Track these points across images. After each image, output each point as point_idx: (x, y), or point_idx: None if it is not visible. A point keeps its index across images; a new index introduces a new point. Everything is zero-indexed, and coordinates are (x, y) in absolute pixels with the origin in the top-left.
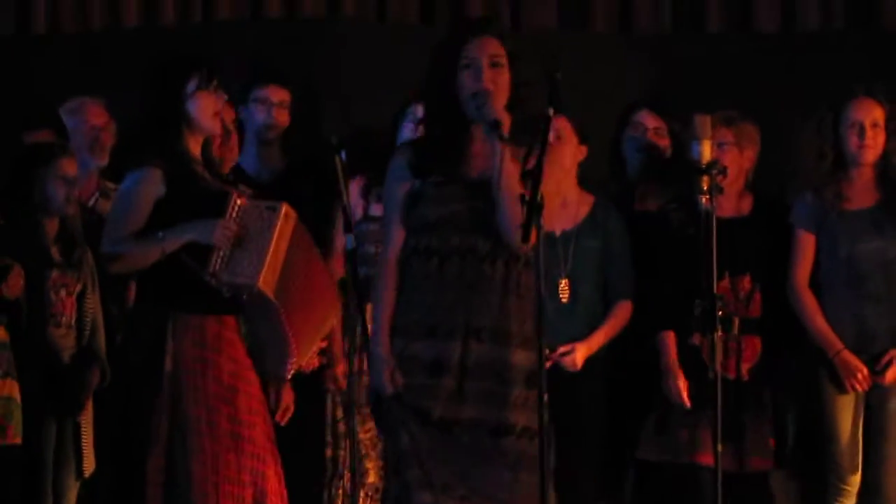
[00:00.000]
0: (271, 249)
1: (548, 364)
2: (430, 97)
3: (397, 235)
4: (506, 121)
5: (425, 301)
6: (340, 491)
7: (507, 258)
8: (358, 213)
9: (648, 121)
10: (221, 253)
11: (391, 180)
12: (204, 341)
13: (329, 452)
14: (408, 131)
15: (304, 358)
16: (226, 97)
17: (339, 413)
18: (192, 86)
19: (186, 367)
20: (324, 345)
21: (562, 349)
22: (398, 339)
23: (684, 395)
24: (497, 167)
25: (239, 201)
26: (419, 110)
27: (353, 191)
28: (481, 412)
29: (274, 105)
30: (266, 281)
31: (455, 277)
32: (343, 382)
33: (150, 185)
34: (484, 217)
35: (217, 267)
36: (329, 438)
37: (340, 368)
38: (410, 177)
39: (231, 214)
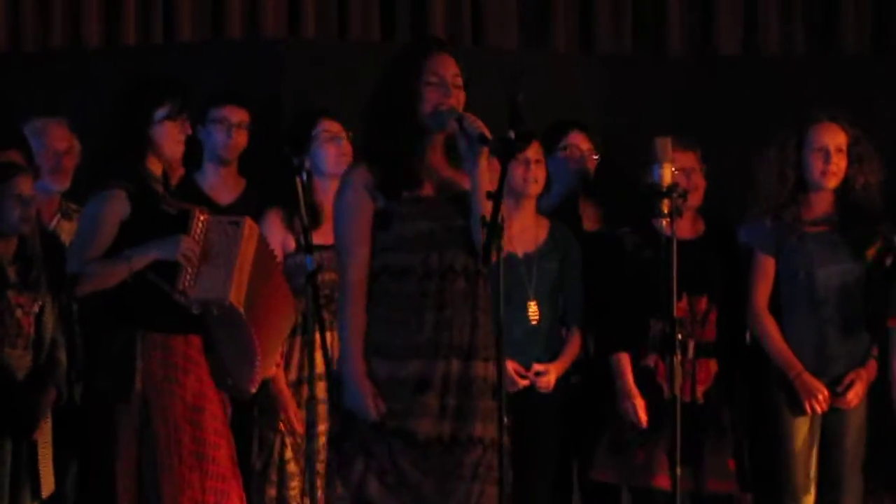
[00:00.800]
0: (238, 264)
1: (525, 383)
2: (386, 112)
3: (362, 255)
4: (488, 134)
5: (408, 322)
6: None
7: (475, 273)
8: (290, 245)
9: (583, 143)
10: (189, 270)
11: (354, 200)
12: (171, 361)
13: (273, 492)
14: (329, 150)
15: (268, 370)
16: (190, 129)
17: (289, 453)
18: (161, 113)
19: (155, 387)
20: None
21: (538, 367)
22: (380, 362)
23: (642, 414)
24: (478, 184)
25: (202, 217)
26: (329, 125)
27: (275, 223)
28: (456, 428)
29: (233, 125)
30: (236, 295)
31: (436, 297)
32: (299, 426)
33: (116, 207)
34: (459, 234)
35: (186, 284)
36: (274, 478)
37: (292, 409)
38: (377, 195)
39: (195, 231)
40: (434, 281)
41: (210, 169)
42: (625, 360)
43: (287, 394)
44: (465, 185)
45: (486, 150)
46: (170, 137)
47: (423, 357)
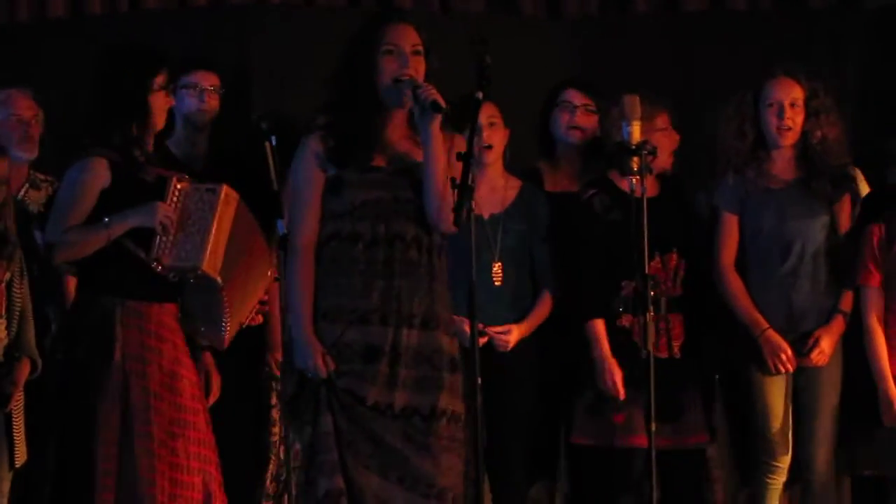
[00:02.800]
0: (213, 231)
1: (482, 340)
2: (345, 82)
3: (312, 221)
4: (442, 102)
5: (355, 286)
6: (268, 475)
7: (429, 245)
8: None
9: (576, 98)
10: (164, 238)
11: (305, 166)
12: (149, 328)
13: (276, 440)
14: None
15: (237, 325)
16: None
17: (273, 399)
18: (158, 82)
19: (133, 355)
20: (265, 298)
21: (497, 329)
22: (326, 325)
23: (620, 388)
24: (431, 151)
25: (179, 185)
26: None
27: None
28: (414, 398)
29: (205, 90)
30: (210, 263)
31: (384, 264)
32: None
33: (96, 175)
34: (409, 204)
35: (160, 252)
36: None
37: (280, 355)
38: (327, 164)
39: (171, 198)
40: (382, 249)
41: (182, 133)
42: (600, 327)
43: (278, 338)
44: (420, 158)
45: (438, 117)
46: (161, 107)
47: (372, 324)
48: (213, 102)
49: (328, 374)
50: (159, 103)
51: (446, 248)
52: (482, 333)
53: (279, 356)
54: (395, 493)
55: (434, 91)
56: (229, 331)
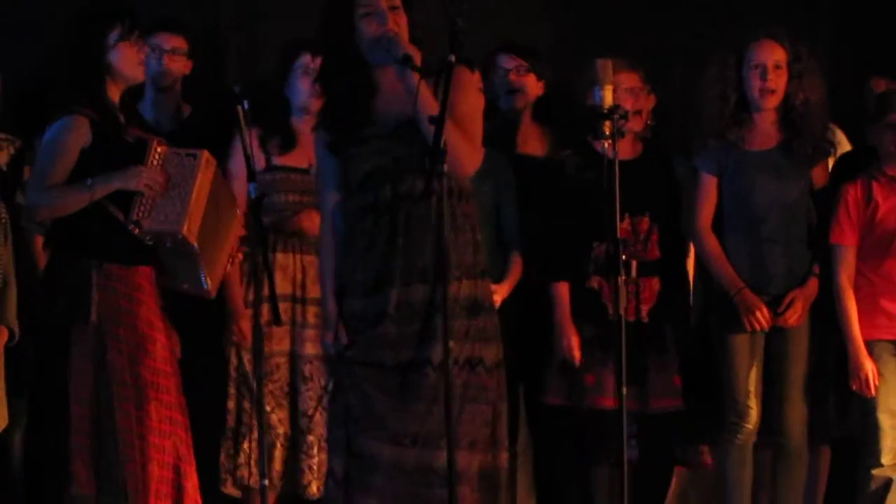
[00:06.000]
0: (194, 196)
1: None
2: (328, 51)
3: (329, 200)
4: (416, 54)
5: (364, 259)
6: (247, 444)
7: (448, 192)
8: (260, 163)
9: (507, 62)
10: (145, 200)
11: (318, 157)
12: (126, 291)
13: (232, 405)
14: (304, 84)
15: (218, 278)
16: (147, 48)
17: (249, 366)
18: (114, 37)
19: (110, 317)
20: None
21: None
22: (348, 300)
23: (576, 352)
24: (419, 102)
25: (159, 149)
26: (309, 60)
27: (252, 143)
28: (418, 352)
29: (165, 52)
30: (190, 228)
31: (388, 228)
32: (247, 336)
33: (77, 134)
34: (410, 160)
35: (140, 214)
36: (232, 390)
37: (245, 323)
38: (331, 154)
39: (152, 161)
40: (387, 214)
41: (149, 96)
42: (563, 290)
43: (240, 307)
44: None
45: (414, 72)
46: (128, 59)
47: (378, 289)
48: (174, 64)
49: (339, 350)
50: (125, 57)
51: (472, 193)
52: None
53: (244, 325)
54: (407, 455)
55: (405, 44)
56: (211, 284)
